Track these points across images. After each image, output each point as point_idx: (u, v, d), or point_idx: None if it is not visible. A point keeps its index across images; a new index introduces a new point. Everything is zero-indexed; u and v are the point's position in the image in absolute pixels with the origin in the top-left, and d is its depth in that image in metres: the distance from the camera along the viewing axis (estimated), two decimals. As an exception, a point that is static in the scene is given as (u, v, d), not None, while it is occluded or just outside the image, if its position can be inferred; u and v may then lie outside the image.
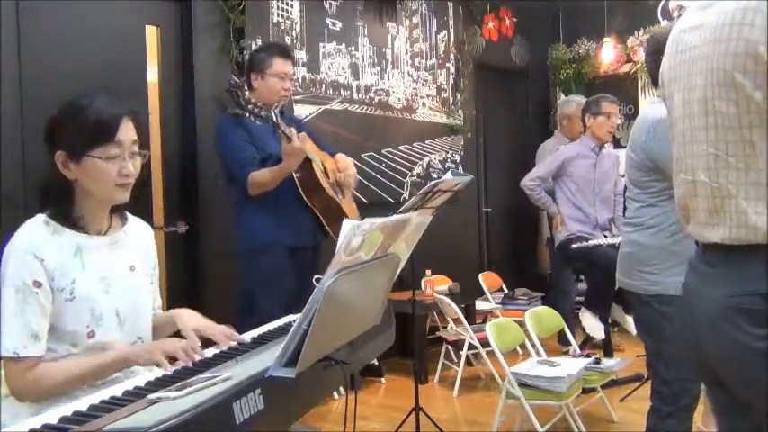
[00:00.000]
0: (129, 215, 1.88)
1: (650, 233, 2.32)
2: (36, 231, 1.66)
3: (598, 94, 4.68)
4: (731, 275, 1.34)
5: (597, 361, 3.47)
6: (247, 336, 1.89)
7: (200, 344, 1.73)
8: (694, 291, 1.46)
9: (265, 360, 1.38)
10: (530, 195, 4.67)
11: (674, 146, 1.51)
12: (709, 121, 1.35)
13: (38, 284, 1.60)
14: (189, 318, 1.88)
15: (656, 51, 2.33)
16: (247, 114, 3.17)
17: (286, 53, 3.41)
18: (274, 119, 3.13)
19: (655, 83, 2.40)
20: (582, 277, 5.13)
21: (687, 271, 1.52)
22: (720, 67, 1.30)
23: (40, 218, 1.69)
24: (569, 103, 5.31)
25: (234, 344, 1.79)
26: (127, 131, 1.69)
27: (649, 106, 2.41)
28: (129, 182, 1.71)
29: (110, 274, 1.74)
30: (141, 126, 1.75)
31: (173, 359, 1.63)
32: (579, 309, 4.36)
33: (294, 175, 3.21)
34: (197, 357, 1.61)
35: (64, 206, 1.70)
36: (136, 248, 1.86)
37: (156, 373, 1.57)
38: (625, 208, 2.62)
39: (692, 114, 1.39)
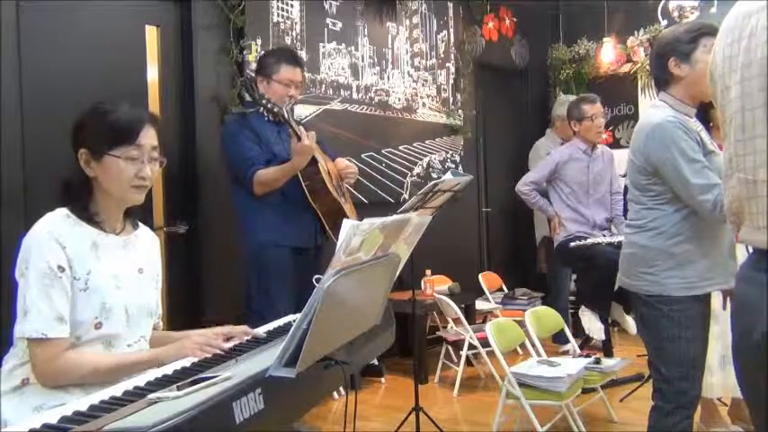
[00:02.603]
0: (140, 223, 1.96)
1: (650, 235, 2.33)
2: (58, 221, 1.73)
3: (597, 94, 4.68)
4: None
5: (597, 361, 3.47)
6: (259, 330, 1.93)
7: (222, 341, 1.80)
8: (752, 304, 1.30)
9: (265, 360, 1.38)
10: (525, 200, 4.68)
11: (729, 143, 1.35)
12: None
13: (61, 269, 1.67)
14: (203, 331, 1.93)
15: (662, 53, 2.33)
16: (260, 109, 3.18)
17: (295, 60, 3.38)
18: (285, 115, 3.14)
19: (658, 83, 2.40)
20: (574, 278, 5.18)
21: (737, 282, 1.38)
22: None
23: (62, 211, 1.77)
24: (563, 105, 5.31)
25: (249, 337, 1.85)
26: (148, 137, 1.78)
27: (652, 109, 2.40)
28: (144, 184, 1.79)
29: (121, 272, 1.80)
30: (162, 134, 1.84)
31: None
32: (574, 308, 4.37)
33: (300, 175, 3.21)
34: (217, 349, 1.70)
35: (83, 201, 1.78)
36: (145, 253, 1.92)
37: (156, 372, 1.57)
38: (626, 208, 2.62)
39: (752, 107, 1.27)
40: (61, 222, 1.73)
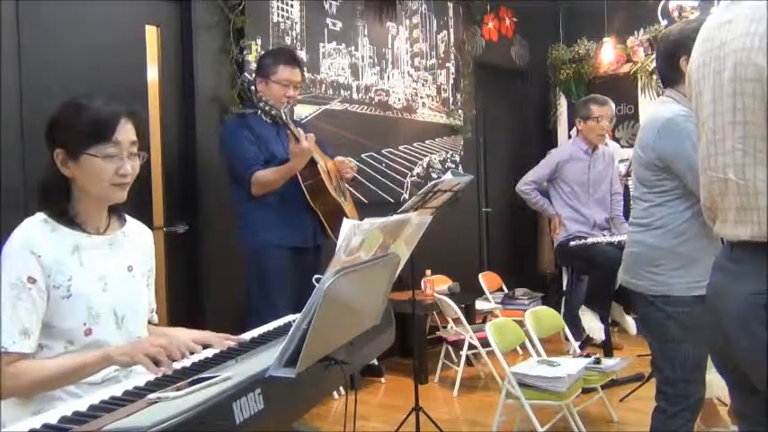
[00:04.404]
0: (127, 217, 1.89)
1: (657, 233, 2.30)
2: (34, 228, 1.67)
3: (598, 94, 4.68)
4: (759, 273, 1.31)
5: (597, 361, 3.47)
6: (247, 335, 1.89)
7: (200, 349, 1.71)
8: (721, 290, 1.43)
9: (265, 360, 1.38)
10: (526, 200, 4.68)
11: (702, 144, 1.48)
12: (737, 116, 1.33)
13: (32, 281, 1.60)
14: (185, 333, 1.86)
15: (672, 51, 2.31)
16: (258, 111, 3.18)
17: (293, 60, 3.37)
18: (284, 117, 3.14)
19: (666, 81, 2.39)
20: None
21: (713, 271, 1.49)
22: (751, 62, 1.29)
23: (39, 216, 1.70)
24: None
25: (232, 344, 1.78)
26: (126, 132, 1.70)
27: (660, 105, 2.38)
28: (125, 182, 1.72)
29: (108, 273, 1.74)
30: (141, 128, 1.76)
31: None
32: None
33: (299, 176, 3.21)
34: (174, 362, 1.56)
35: (61, 204, 1.71)
36: (134, 249, 1.86)
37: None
38: (628, 207, 2.62)
39: (722, 111, 1.37)
40: (37, 229, 1.66)
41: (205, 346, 1.76)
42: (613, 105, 4.59)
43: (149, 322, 1.92)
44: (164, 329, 1.95)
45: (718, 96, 1.39)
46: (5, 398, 1.60)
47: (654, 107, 2.45)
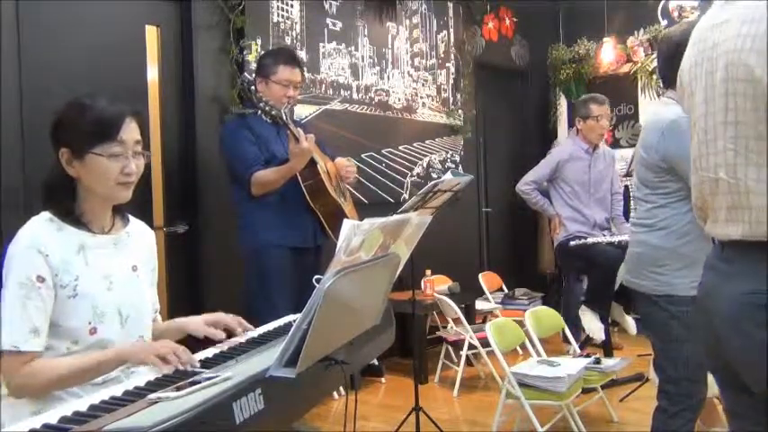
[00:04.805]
0: (130, 217, 1.90)
1: (661, 234, 2.31)
2: (40, 228, 1.68)
3: (598, 93, 4.68)
4: (750, 272, 1.32)
5: (597, 361, 3.47)
6: (247, 335, 1.90)
7: (224, 336, 1.78)
8: (712, 289, 1.44)
9: (265, 360, 1.38)
10: (526, 200, 4.69)
11: (693, 144, 1.49)
12: (729, 117, 1.34)
13: (41, 279, 1.61)
14: (199, 318, 1.91)
15: (676, 53, 2.31)
16: (258, 112, 3.18)
17: (293, 60, 3.36)
18: (284, 117, 3.14)
19: (668, 82, 2.39)
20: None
21: (704, 271, 1.50)
22: (742, 63, 1.30)
23: (45, 215, 1.71)
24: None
25: (241, 340, 1.81)
26: (130, 131, 1.71)
27: (663, 107, 2.38)
28: (130, 180, 1.73)
29: (112, 273, 1.75)
30: (145, 127, 1.78)
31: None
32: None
33: (299, 176, 3.21)
34: (184, 363, 1.56)
35: (67, 203, 1.72)
36: (138, 249, 1.87)
37: (156, 372, 1.56)
38: (627, 207, 2.62)
39: (714, 111, 1.39)
40: (43, 229, 1.67)
41: (209, 344, 1.78)
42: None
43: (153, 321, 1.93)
44: (178, 320, 1.97)
45: (710, 97, 1.40)
46: (22, 398, 1.61)
47: (655, 108, 2.46)
